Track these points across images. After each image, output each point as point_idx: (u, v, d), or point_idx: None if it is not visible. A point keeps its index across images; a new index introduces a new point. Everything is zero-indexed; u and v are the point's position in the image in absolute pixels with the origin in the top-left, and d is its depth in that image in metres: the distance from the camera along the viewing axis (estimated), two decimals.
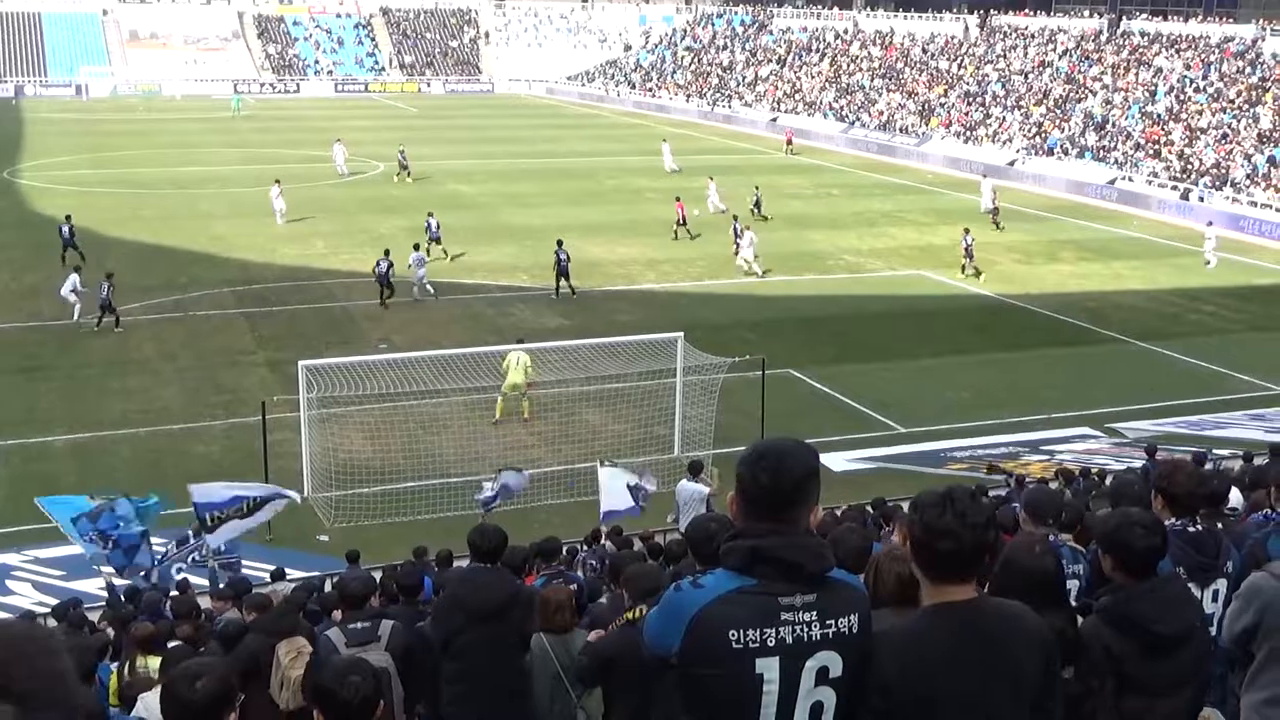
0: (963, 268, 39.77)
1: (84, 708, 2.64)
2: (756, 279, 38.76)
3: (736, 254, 40.00)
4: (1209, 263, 42.41)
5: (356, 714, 4.60)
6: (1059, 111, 66.04)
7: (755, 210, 47.59)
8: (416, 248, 36.10)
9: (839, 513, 15.95)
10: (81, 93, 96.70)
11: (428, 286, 35.21)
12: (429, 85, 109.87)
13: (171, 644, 10.95)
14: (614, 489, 18.52)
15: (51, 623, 13.76)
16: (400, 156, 57.37)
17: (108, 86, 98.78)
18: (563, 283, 35.83)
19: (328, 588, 14.29)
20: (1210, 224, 44.55)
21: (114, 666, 10.63)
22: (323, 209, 48.68)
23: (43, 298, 34.35)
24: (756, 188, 49.48)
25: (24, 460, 23.39)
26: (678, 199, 45.61)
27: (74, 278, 32.46)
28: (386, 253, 34.69)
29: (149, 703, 7.81)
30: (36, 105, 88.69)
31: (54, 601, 16.12)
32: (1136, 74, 65.77)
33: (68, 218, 39.19)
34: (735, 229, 40.88)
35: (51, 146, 66.25)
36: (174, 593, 15.13)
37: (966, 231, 40.54)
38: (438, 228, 40.46)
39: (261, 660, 8.54)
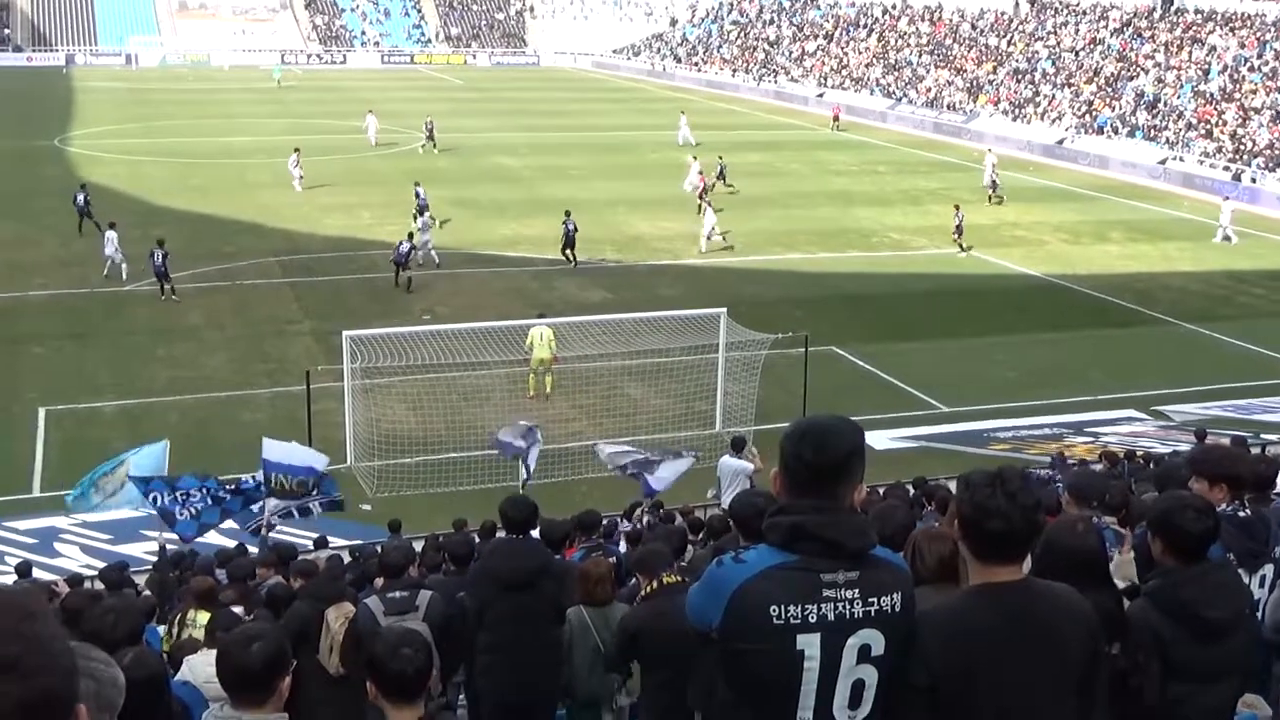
0: (961, 246, 39.75)
1: (104, 671, 2.66)
2: (721, 248, 38.53)
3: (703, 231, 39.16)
4: (1229, 239, 42.24)
5: (409, 685, 4.69)
6: (1110, 90, 65.21)
7: (721, 180, 47.42)
8: (421, 213, 36.40)
9: (881, 491, 15.90)
10: (131, 62, 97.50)
11: (433, 254, 35.34)
12: (475, 58, 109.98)
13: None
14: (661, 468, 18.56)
15: (99, 584, 13.94)
16: (426, 127, 57.39)
17: (157, 56, 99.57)
18: (568, 253, 35.99)
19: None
20: (1227, 198, 44.53)
21: (161, 630, 10.76)
22: (368, 180, 48.88)
23: (90, 265, 34.70)
24: (720, 157, 49.26)
25: (75, 424, 23.69)
26: (700, 172, 45.70)
27: (111, 234, 32.94)
28: (410, 236, 34.67)
29: (194, 665, 7.91)
30: (87, 74, 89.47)
31: (101, 564, 16.38)
32: (1190, 52, 64.79)
33: (82, 186, 39.44)
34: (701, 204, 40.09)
35: (101, 115, 66.85)
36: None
37: (957, 208, 40.50)
38: (425, 197, 40.66)
39: (310, 626, 8.62)
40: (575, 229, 35.72)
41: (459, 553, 9.81)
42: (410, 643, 4.77)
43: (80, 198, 38.48)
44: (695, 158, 49.64)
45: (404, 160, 54.72)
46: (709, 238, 38.86)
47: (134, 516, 18.38)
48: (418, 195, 39.80)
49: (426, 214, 36.46)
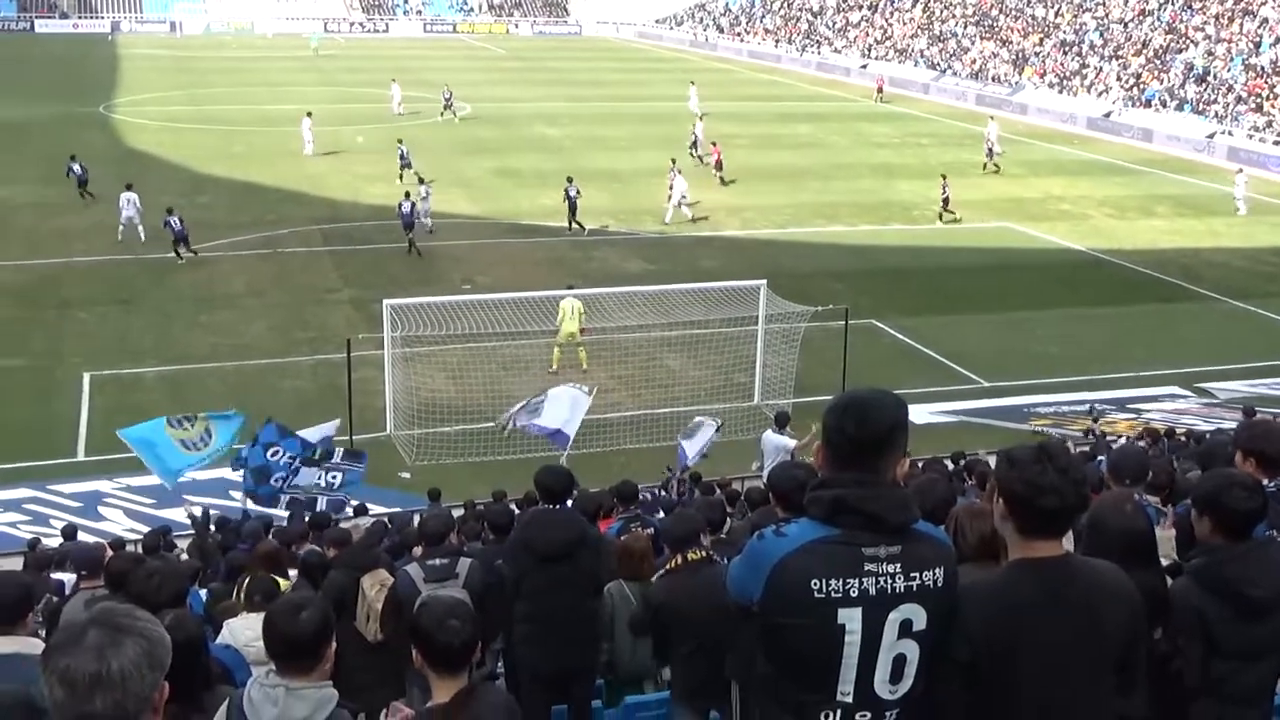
0: (940, 215, 39.63)
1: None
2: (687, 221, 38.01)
3: (669, 199, 38.49)
4: (1239, 210, 42.09)
5: (456, 656, 4.72)
6: (1158, 62, 64.31)
7: (692, 152, 47.19)
8: (422, 181, 36.43)
9: (920, 465, 15.84)
10: (175, 29, 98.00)
11: (427, 221, 35.44)
12: (517, 26, 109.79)
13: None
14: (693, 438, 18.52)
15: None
16: (445, 96, 57.34)
17: (201, 23, 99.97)
18: (575, 221, 36.05)
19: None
20: (1240, 170, 44.50)
21: (203, 593, 10.87)
22: (410, 150, 48.92)
23: (134, 231, 34.99)
24: (694, 127, 49.02)
25: (117, 390, 23.92)
26: (714, 144, 45.55)
27: (129, 195, 33.41)
28: (408, 194, 34.80)
29: (234, 629, 7.99)
30: (132, 41, 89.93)
31: (145, 529, 16.57)
32: (1241, 24, 63.74)
33: (73, 156, 39.44)
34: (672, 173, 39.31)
35: (146, 82, 67.21)
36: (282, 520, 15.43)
37: (944, 178, 40.24)
38: (408, 154, 41.89)
39: (347, 595, 8.69)
40: (578, 194, 35.86)
41: (499, 522, 9.83)
42: (458, 614, 4.80)
43: (76, 168, 38.66)
44: (701, 118, 50.15)
45: (444, 129, 54.73)
46: (677, 206, 38.11)
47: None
48: (401, 154, 41.16)
49: (426, 184, 36.40)
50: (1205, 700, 4.92)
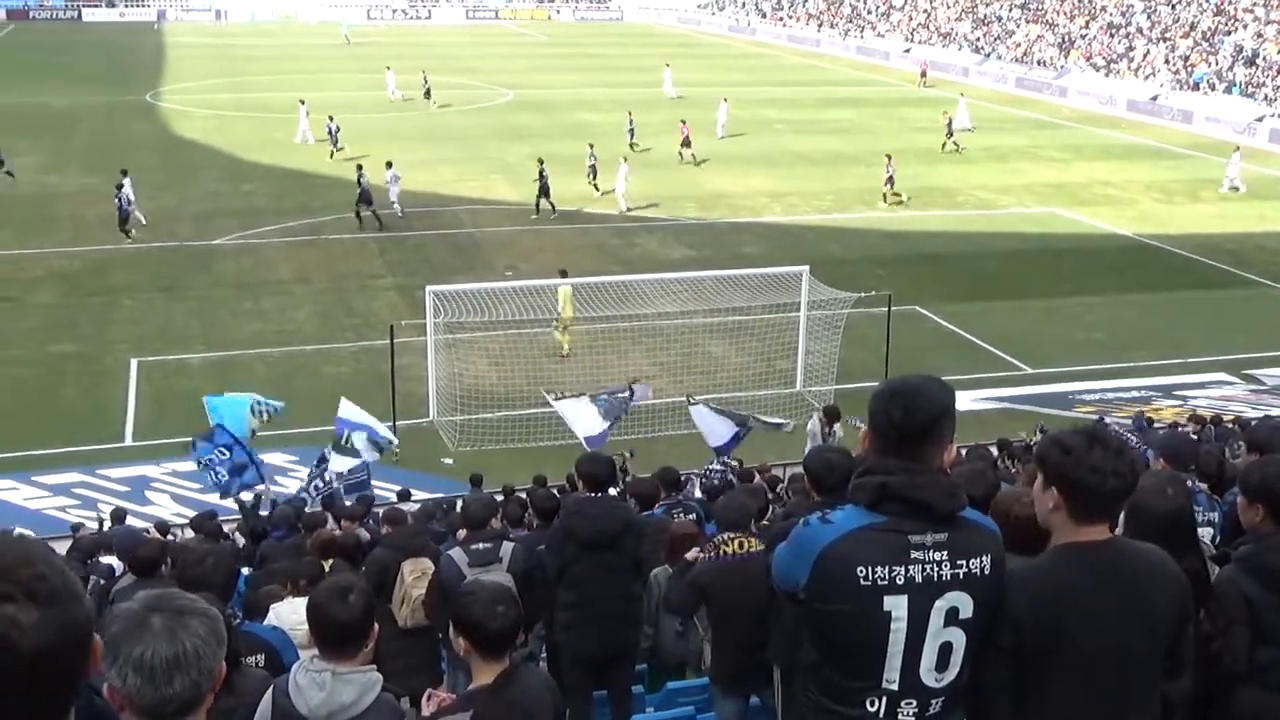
0: (884, 196, 39.46)
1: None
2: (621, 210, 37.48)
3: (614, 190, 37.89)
4: (1237, 188, 42.19)
5: (502, 641, 4.80)
6: (1206, 44, 63.47)
7: (629, 137, 47.18)
8: (390, 165, 36.47)
9: (963, 453, 15.74)
10: (220, 17, 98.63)
11: (396, 206, 35.68)
12: (559, 12, 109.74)
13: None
14: (711, 424, 18.44)
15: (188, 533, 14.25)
16: (424, 82, 57.39)
17: (246, 12, 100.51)
18: (543, 201, 36.14)
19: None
20: (1238, 149, 44.65)
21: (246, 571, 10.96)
22: (446, 136, 49.06)
23: (179, 220, 35.33)
24: (630, 113, 49.09)
25: (164, 376, 24.16)
26: (683, 121, 45.92)
27: (125, 182, 33.78)
28: (360, 168, 35.45)
29: (280, 613, 8.05)
30: (177, 29, 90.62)
31: (191, 513, 16.73)
32: None
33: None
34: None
35: (191, 70, 67.70)
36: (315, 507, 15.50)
37: (889, 158, 40.09)
38: (337, 130, 43.12)
39: (389, 575, 8.73)
40: (547, 177, 36.12)
41: (545, 507, 9.84)
42: (504, 601, 4.88)
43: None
44: (726, 99, 50.55)
45: (480, 116, 54.83)
46: (615, 193, 37.49)
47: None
48: (329, 130, 42.91)
49: (392, 169, 36.46)
50: (1250, 688, 4.87)
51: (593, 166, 38.34)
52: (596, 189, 37.17)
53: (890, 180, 39.40)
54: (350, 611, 4.59)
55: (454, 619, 4.94)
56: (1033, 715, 3.74)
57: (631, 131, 47.30)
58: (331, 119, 44.20)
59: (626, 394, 18.28)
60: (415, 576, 8.69)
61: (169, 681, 2.63)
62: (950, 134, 48.63)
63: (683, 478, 15.04)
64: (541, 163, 36.49)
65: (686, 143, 44.75)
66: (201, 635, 2.66)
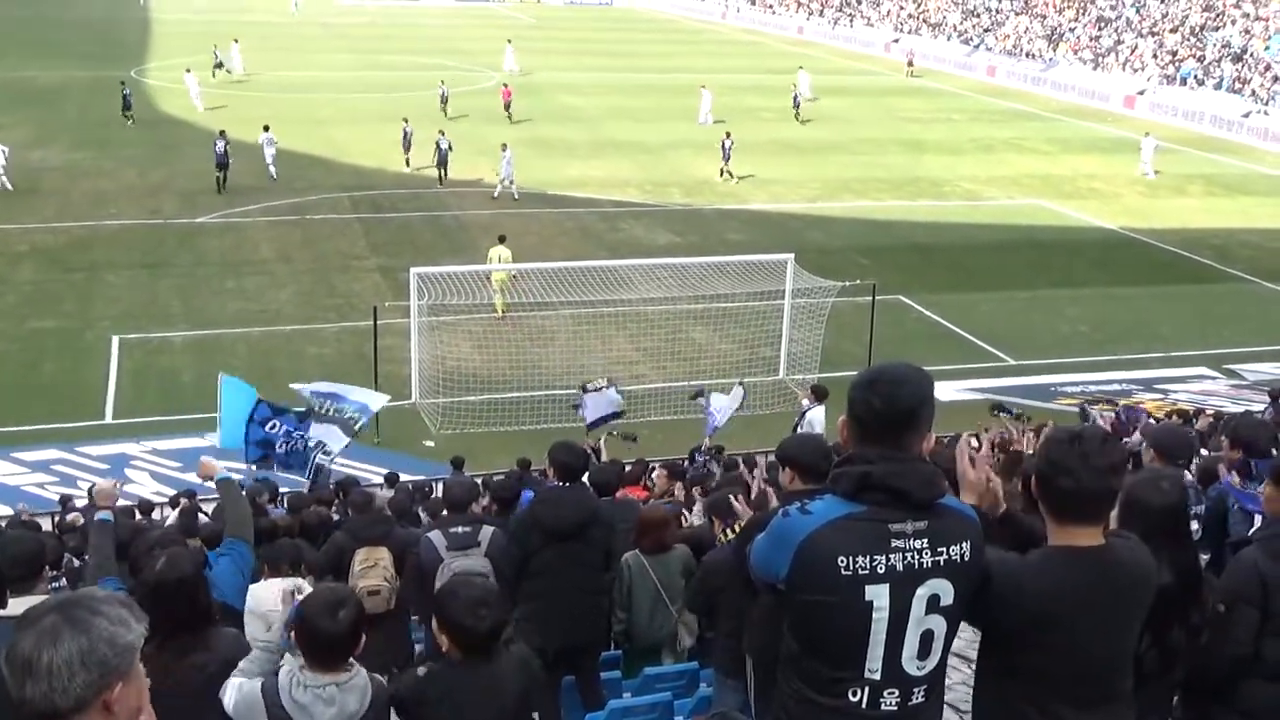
0: (721, 171, 39.97)
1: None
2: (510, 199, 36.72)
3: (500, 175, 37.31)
4: (1148, 174, 43.37)
5: (488, 640, 4.81)
6: (1195, 40, 63.58)
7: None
8: (266, 129, 37.58)
9: (944, 442, 15.76)
10: None
11: (273, 170, 37.24)
12: None
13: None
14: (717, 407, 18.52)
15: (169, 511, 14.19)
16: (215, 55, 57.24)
17: None
18: (441, 172, 37.20)
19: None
20: (1148, 135, 45.84)
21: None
22: (440, 119, 48.87)
23: (164, 195, 35.16)
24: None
25: (145, 353, 24.05)
26: (505, 85, 49.20)
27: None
28: (222, 133, 36.40)
29: (258, 594, 8.01)
30: (162, 4, 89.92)
31: (171, 492, 16.68)
32: None
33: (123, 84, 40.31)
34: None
35: (174, 47, 67.22)
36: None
37: (727, 135, 40.51)
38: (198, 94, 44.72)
39: (343, 560, 8.67)
40: (450, 147, 37.33)
41: (503, 496, 9.78)
42: (487, 602, 4.91)
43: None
44: (705, 86, 51.16)
45: (474, 99, 54.63)
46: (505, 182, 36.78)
47: (200, 446, 18.57)
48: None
49: (268, 132, 37.76)
50: (1259, 682, 4.91)
51: (443, 153, 37.50)
52: (442, 178, 37.65)
53: (727, 157, 39.99)
54: (340, 627, 4.61)
55: (436, 617, 4.95)
56: (1018, 698, 3.77)
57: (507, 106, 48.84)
58: (189, 71, 45.55)
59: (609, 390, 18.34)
60: (365, 566, 8.58)
61: (21, 684, 2.57)
62: (797, 104, 51.10)
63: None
64: (442, 134, 37.87)
65: (507, 107, 48.25)
66: (64, 654, 2.56)
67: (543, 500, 8.30)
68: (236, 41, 58.89)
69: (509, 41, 64.16)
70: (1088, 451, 3.68)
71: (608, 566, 8.40)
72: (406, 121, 40.36)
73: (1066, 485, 3.68)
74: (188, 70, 38.25)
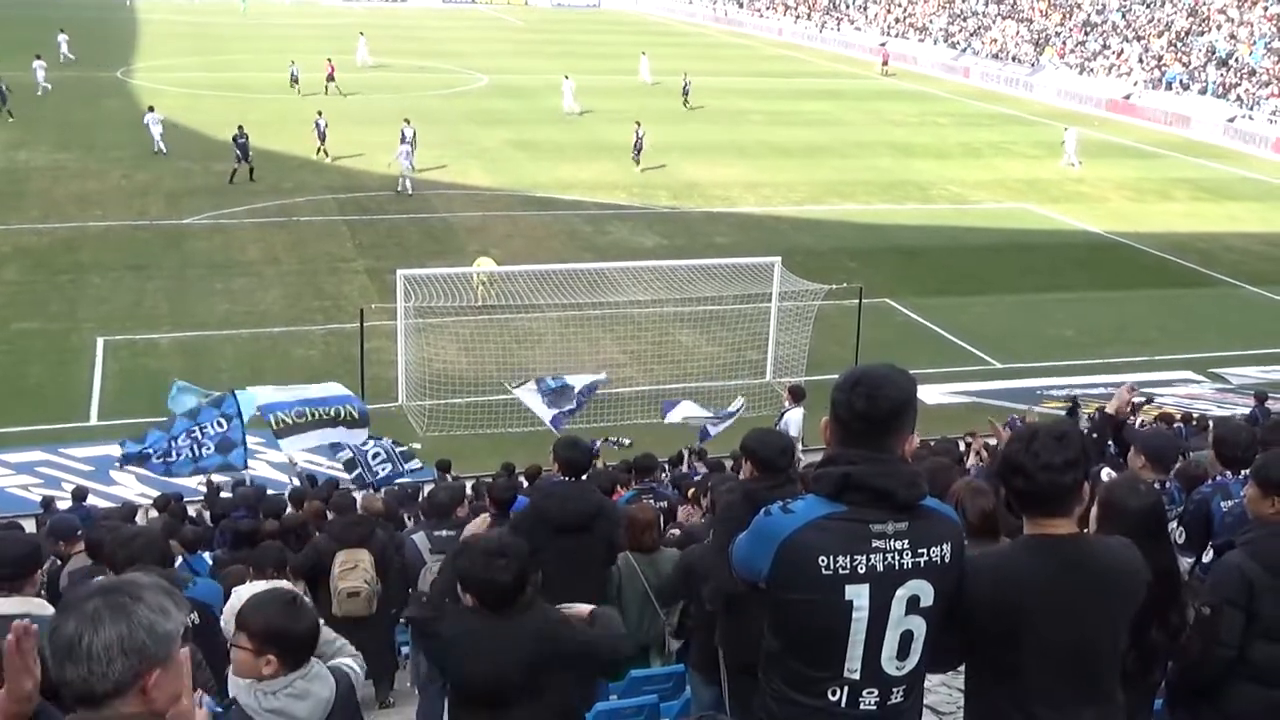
0: (636, 161, 40.76)
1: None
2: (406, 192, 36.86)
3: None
4: (1074, 164, 44.96)
5: (510, 593, 4.82)
6: (1180, 45, 63.82)
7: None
8: (151, 108, 40.89)
9: (930, 445, 15.82)
10: None
11: (159, 143, 39.95)
12: None
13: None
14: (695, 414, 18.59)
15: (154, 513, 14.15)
16: (291, 71, 56.14)
17: None
18: (238, 167, 37.22)
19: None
20: (1067, 129, 47.60)
21: (208, 556, 10.91)
22: (424, 119, 48.75)
23: (151, 197, 35.07)
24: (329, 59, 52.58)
25: (131, 355, 23.98)
26: (329, 59, 51.54)
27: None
28: (240, 128, 37.33)
29: (243, 595, 8.00)
30: (149, 5, 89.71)
31: (155, 494, 16.62)
32: (1265, 7, 63.19)
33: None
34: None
35: (162, 48, 67.09)
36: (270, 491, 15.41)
37: (638, 125, 41.21)
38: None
39: (322, 562, 8.67)
40: (246, 140, 37.29)
41: (501, 498, 9.78)
42: (503, 553, 4.91)
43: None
44: (567, 77, 52.80)
45: (461, 101, 54.63)
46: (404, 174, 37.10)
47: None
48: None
49: (156, 117, 40.34)
50: (1245, 685, 4.92)
51: (243, 147, 37.34)
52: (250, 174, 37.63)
53: (638, 147, 40.46)
54: (305, 624, 4.60)
55: (455, 575, 4.98)
56: (1001, 699, 3.78)
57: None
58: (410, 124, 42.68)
59: (577, 385, 18.36)
60: (345, 569, 8.58)
61: (61, 667, 2.64)
62: (685, 94, 53.73)
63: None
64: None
65: (330, 76, 51.17)
66: (104, 639, 2.62)
67: (548, 495, 8.28)
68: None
69: (644, 53, 64.55)
70: (1039, 450, 3.72)
71: (610, 560, 8.41)
72: (320, 114, 41.97)
73: (1019, 485, 3.76)
74: (150, 108, 39.45)
